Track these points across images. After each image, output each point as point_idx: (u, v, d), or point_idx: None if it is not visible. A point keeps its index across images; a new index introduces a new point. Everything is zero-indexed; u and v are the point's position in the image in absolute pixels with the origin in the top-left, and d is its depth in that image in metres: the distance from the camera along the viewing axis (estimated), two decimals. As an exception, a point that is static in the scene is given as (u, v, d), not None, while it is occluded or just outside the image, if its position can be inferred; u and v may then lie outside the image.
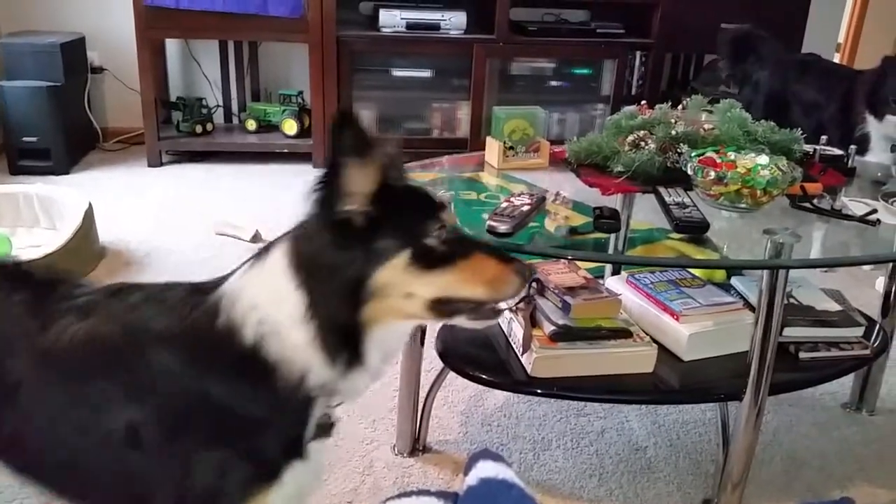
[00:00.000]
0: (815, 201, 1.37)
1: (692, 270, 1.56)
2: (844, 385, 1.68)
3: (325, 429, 0.84)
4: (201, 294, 0.80)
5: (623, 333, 1.36)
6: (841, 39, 4.47)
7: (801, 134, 1.56)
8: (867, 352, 1.47)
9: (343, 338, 0.76)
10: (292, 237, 0.79)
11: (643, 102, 1.65)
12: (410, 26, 3.16)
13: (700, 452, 1.50)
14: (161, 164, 3.20)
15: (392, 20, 3.15)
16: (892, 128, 2.32)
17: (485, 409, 1.62)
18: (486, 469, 0.66)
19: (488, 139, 1.62)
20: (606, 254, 1.45)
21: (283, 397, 0.77)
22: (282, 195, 2.77)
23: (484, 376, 1.36)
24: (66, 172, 3.04)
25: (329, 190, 0.74)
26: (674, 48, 3.43)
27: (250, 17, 3.01)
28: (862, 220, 1.29)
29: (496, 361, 1.37)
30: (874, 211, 1.31)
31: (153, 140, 3.16)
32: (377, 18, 3.16)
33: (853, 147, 1.64)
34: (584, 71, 3.46)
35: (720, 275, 1.59)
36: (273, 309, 0.76)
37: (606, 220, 1.27)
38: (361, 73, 3.23)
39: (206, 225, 2.46)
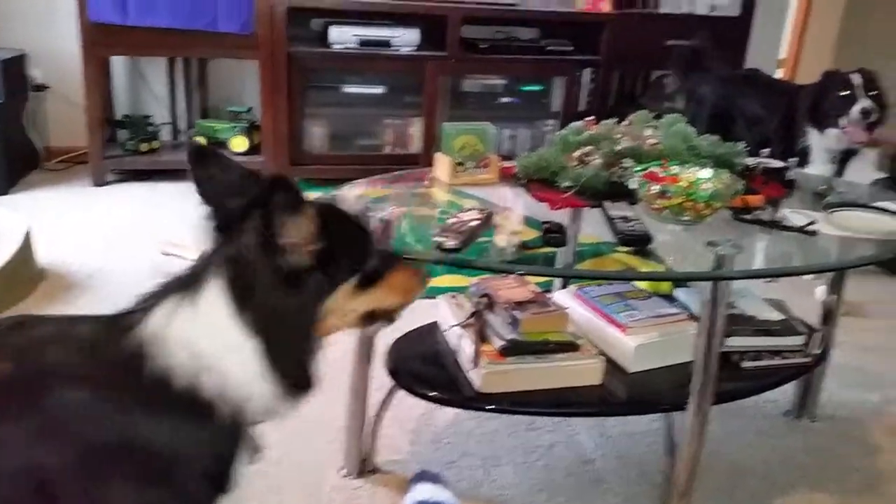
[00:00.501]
0: (756, 213, 1.41)
1: (638, 283, 1.58)
2: (786, 393, 1.71)
3: (253, 453, 0.82)
4: (120, 330, 0.75)
5: (570, 347, 1.37)
6: (783, 55, 4.62)
7: (744, 147, 1.60)
8: (808, 360, 1.51)
9: (295, 367, 0.78)
10: (227, 276, 0.75)
11: (590, 118, 1.67)
12: (362, 43, 3.16)
13: (647, 463, 1.51)
14: (106, 184, 3.13)
15: (343, 37, 3.15)
16: (833, 140, 2.40)
17: (435, 426, 1.61)
18: (423, 492, 0.65)
19: (438, 155, 1.62)
20: (552, 268, 1.46)
21: (216, 431, 0.75)
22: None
23: (434, 394, 1.36)
24: (5, 193, 2.95)
25: (270, 246, 0.73)
26: (621, 65, 3.50)
27: (199, 33, 2.97)
28: (801, 230, 1.33)
29: (446, 378, 1.36)
30: (813, 222, 1.34)
31: (98, 159, 3.09)
32: (328, 35, 3.15)
33: (794, 159, 1.69)
34: (535, 87, 3.50)
35: (666, 286, 1.61)
36: (219, 355, 0.74)
37: (553, 234, 1.28)
38: (313, 90, 3.21)
39: (151, 245, 2.41)
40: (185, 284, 0.77)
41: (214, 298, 0.75)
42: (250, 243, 0.73)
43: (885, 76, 2.41)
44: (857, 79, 2.36)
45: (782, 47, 4.34)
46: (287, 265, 0.74)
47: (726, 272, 1.19)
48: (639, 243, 1.24)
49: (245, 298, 0.74)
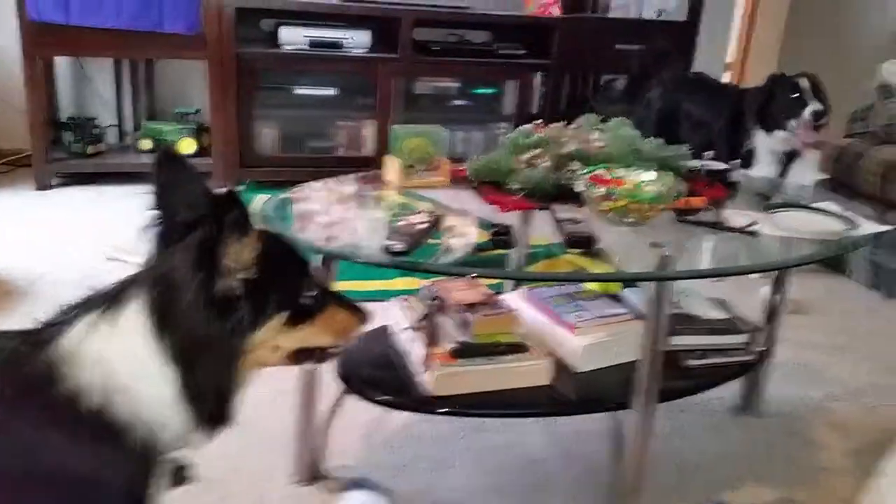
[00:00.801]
0: (699, 215, 1.43)
1: (588, 283, 1.60)
2: (732, 390, 1.75)
3: (181, 476, 0.80)
4: (35, 345, 0.71)
5: (520, 348, 1.38)
6: (730, 59, 4.73)
7: (690, 150, 1.63)
8: (751, 357, 1.55)
9: (213, 400, 0.75)
10: (152, 295, 0.72)
11: (539, 121, 1.68)
12: (313, 44, 3.13)
13: (597, 462, 1.53)
14: (50, 188, 3.04)
15: (294, 38, 3.11)
16: (779, 142, 2.46)
17: (386, 431, 1.60)
18: (355, 499, 0.65)
19: (387, 158, 1.62)
20: (501, 270, 1.46)
21: (130, 456, 0.72)
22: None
23: (385, 398, 1.35)
24: (-58, 197, 2.85)
25: (206, 266, 0.71)
26: (572, 69, 3.54)
27: (145, 34, 2.91)
28: (742, 231, 1.36)
29: (397, 382, 1.36)
30: (755, 223, 1.38)
31: (41, 162, 3.00)
32: (278, 36, 3.12)
33: (737, 161, 1.73)
34: (487, 90, 3.52)
35: (615, 287, 1.63)
36: (134, 378, 0.71)
37: (501, 237, 1.29)
38: (262, 91, 3.17)
39: (96, 250, 2.35)
40: (109, 300, 0.74)
41: (135, 318, 0.72)
42: (185, 262, 0.71)
43: (826, 79, 2.49)
44: (804, 82, 2.42)
45: (728, 51, 4.44)
46: (219, 290, 0.71)
47: (668, 272, 1.21)
48: (585, 245, 1.25)
49: (166, 322, 0.71)
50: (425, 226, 1.26)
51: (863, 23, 4.33)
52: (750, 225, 1.36)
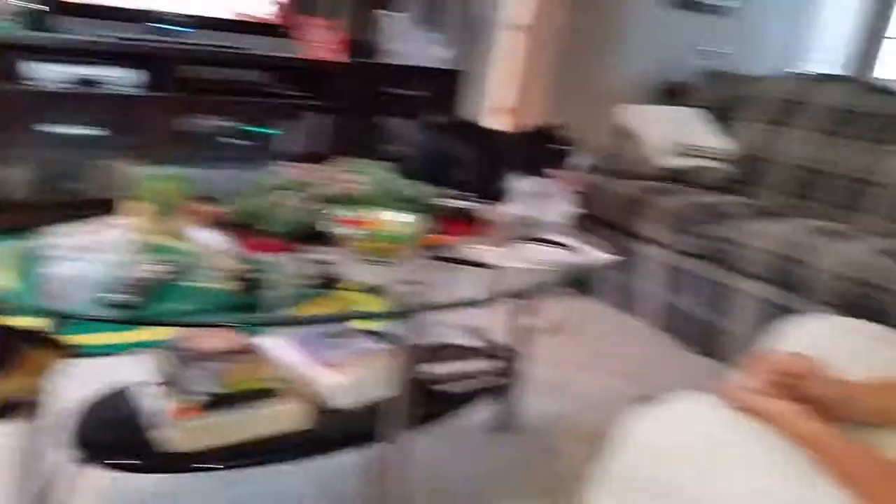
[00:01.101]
0: (446, 251, 1.52)
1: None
2: (490, 411, 1.85)
3: None
4: None
5: (273, 393, 1.36)
6: (502, 104, 5.11)
7: (447, 190, 1.73)
8: (504, 380, 1.66)
9: None
10: None
11: (300, 163, 1.70)
12: (73, 81, 2.92)
13: (359, 497, 1.55)
14: None
15: (50, 74, 2.88)
16: (538, 185, 2.66)
17: (135, 494, 1.50)
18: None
19: (134, 202, 1.54)
20: (240, 316, 1.41)
21: None
22: None
23: (131, 462, 1.27)
24: None
25: None
26: (352, 111, 3.60)
27: None
28: (481, 265, 1.46)
29: (142, 443, 1.28)
30: (497, 256, 1.48)
31: None
32: (32, 71, 2.86)
33: (489, 200, 1.86)
34: (260, 130, 3.48)
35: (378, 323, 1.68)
36: None
37: (249, 281, 1.28)
38: (11, 131, 2.89)
39: None
40: None
41: None
42: None
43: (587, 122, 2.76)
44: (564, 131, 2.65)
45: (497, 99, 4.78)
46: None
47: (413, 307, 1.27)
48: (331, 286, 1.27)
49: None
50: (164, 275, 1.22)
51: (614, 72, 4.88)
52: (490, 259, 1.47)
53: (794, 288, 2.15)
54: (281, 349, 1.51)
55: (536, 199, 2.71)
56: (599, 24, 4.68)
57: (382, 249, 1.39)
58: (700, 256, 2.47)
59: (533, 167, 2.65)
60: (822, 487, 0.76)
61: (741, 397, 0.91)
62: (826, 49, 5.67)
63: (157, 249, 1.38)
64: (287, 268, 1.54)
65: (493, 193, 2.64)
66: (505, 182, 2.67)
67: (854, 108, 2.71)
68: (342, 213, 1.46)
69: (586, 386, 2.19)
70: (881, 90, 2.77)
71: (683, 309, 2.55)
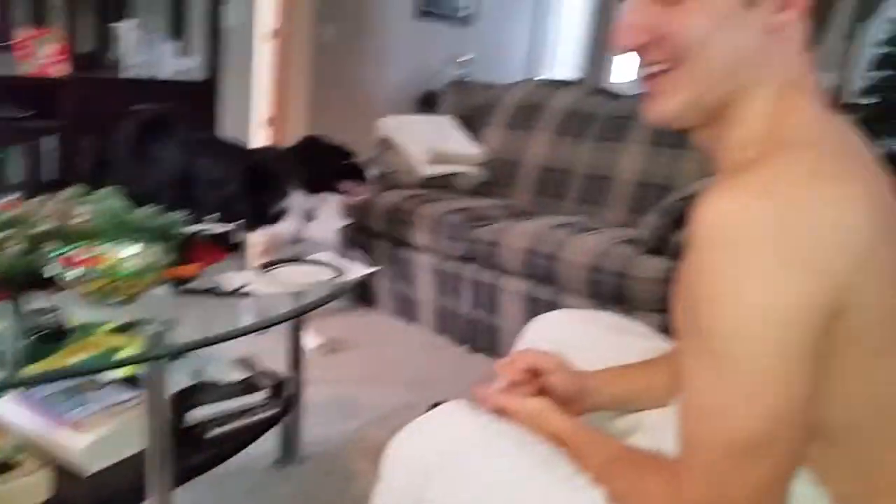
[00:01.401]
0: (195, 282, 1.41)
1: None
2: (272, 443, 1.77)
3: None
4: None
5: (12, 465, 1.18)
6: (268, 116, 4.96)
7: (193, 214, 1.60)
8: (276, 410, 1.58)
9: None
10: None
11: (13, 196, 1.49)
12: None
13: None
14: None
15: None
16: (314, 200, 2.58)
17: None
18: None
19: None
20: None
21: None
22: None
23: None
24: None
25: None
26: (86, 131, 3.27)
27: None
28: (234, 293, 1.38)
29: None
30: (246, 284, 1.41)
31: None
32: None
33: (238, 222, 1.76)
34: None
35: (131, 370, 1.51)
36: None
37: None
38: None
39: None
40: None
41: None
42: None
43: (347, 132, 2.73)
44: (333, 143, 2.59)
45: (257, 110, 4.63)
46: None
47: (158, 350, 1.16)
48: (52, 338, 1.12)
49: None
50: None
51: (375, 80, 4.94)
52: (242, 287, 1.39)
53: (549, 281, 2.31)
54: (13, 413, 1.31)
55: (307, 215, 2.65)
56: (356, 34, 4.73)
57: (119, 287, 1.25)
58: (465, 259, 2.57)
59: (320, 182, 2.57)
60: (566, 476, 0.80)
61: (492, 399, 0.93)
62: (564, 58, 6.25)
63: None
64: (6, 319, 1.35)
65: (260, 213, 2.54)
66: (280, 199, 2.58)
67: (586, 110, 2.98)
68: (66, 251, 1.30)
69: (370, 400, 2.17)
70: (610, 94, 3.08)
71: (457, 311, 2.64)
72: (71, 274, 1.22)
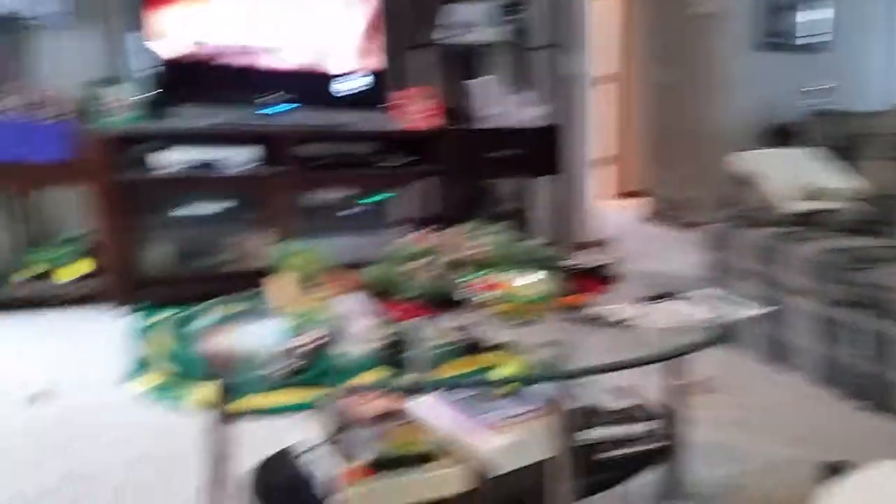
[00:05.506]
0: (582, 311, 1.49)
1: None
2: (653, 477, 1.74)
3: None
4: None
5: (433, 457, 1.35)
6: (604, 155, 5.11)
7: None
8: (665, 443, 1.56)
9: None
10: None
11: (427, 228, 1.74)
12: (196, 166, 3.12)
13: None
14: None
15: (177, 159, 3.09)
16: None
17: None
18: None
19: (275, 276, 1.61)
20: (392, 381, 1.42)
21: None
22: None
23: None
24: None
25: None
26: (450, 173, 3.68)
27: (15, 165, 2.82)
28: (619, 324, 1.42)
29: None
30: (637, 315, 1.44)
31: None
32: (160, 159, 3.09)
33: (618, 255, 1.82)
34: (376, 199, 3.60)
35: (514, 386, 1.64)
36: None
37: (395, 344, 1.31)
38: (148, 213, 3.12)
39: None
40: None
41: None
42: None
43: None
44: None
45: (594, 151, 4.77)
46: None
47: (558, 371, 1.25)
48: (472, 351, 1.28)
49: None
50: (321, 341, 1.26)
51: (717, 116, 4.78)
52: (628, 318, 1.43)
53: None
54: (435, 412, 1.51)
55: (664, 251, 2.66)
56: (692, 72, 4.63)
57: (519, 311, 1.38)
58: (853, 304, 2.32)
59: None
60: None
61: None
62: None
63: (307, 318, 1.43)
64: (428, 331, 1.56)
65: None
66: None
67: None
68: (473, 277, 1.47)
69: (750, 447, 2.02)
70: None
71: (844, 361, 2.38)
72: (483, 296, 1.38)
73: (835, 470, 0.83)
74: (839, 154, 2.97)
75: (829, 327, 2.41)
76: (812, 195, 2.74)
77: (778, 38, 4.74)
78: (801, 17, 4.69)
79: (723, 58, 4.60)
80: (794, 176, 2.79)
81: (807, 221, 2.76)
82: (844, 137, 3.03)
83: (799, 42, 4.81)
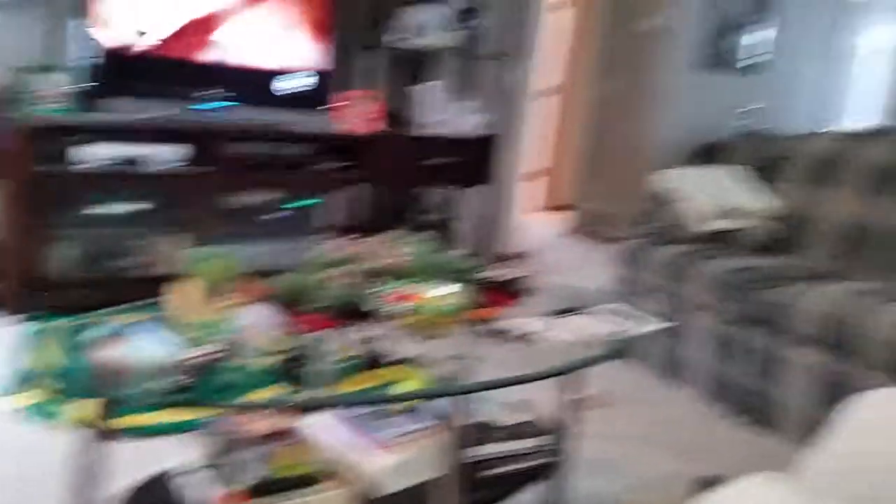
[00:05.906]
0: (491, 324, 1.50)
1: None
2: (537, 491, 1.77)
3: None
4: None
5: (317, 479, 1.33)
6: (535, 168, 5.17)
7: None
8: (551, 459, 1.59)
9: None
10: None
11: (347, 237, 1.72)
12: (116, 161, 3.02)
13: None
14: None
15: (100, 154, 2.99)
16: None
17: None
18: None
19: (182, 283, 1.56)
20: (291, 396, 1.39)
21: None
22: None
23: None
24: None
25: None
26: (389, 182, 3.66)
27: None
28: (524, 338, 1.44)
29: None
30: (538, 330, 1.46)
31: None
32: (78, 153, 2.97)
33: (534, 269, 1.84)
34: (304, 203, 3.54)
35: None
36: None
37: (294, 358, 1.28)
38: (59, 212, 2.98)
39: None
40: None
41: None
42: None
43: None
44: None
45: (525, 164, 4.82)
46: None
47: (456, 387, 1.25)
48: (377, 362, 1.27)
49: None
50: (214, 356, 1.22)
51: (650, 133, 4.89)
52: (534, 332, 1.45)
53: (847, 354, 2.07)
54: (328, 430, 1.49)
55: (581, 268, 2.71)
56: (635, 88, 4.73)
57: (428, 324, 1.38)
58: (748, 322, 2.41)
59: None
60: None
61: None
62: (861, 104, 5.64)
63: (206, 328, 1.40)
64: (332, 344, 1.55)
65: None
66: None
67: (897, 164, 2.66)
68: (387, 288, 1.46)
69: (636, 462, 2.08)
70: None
71: (733, 378, 2.47)
72: (390, 308, 1.37)
73: (707, 484, 0.86)
74: (761, 174, 3.08)
75: (723, 344, 2.50)
76: (727, 214, 2.83)
77: (719, 59, 4.87)
78: (746, 39, 4.83)
79: (663, 75, 4.70)
80: (712, 194, 2.87)
81: (718, 240, 2.84)
82: (767, 158, 3.14)
83: (740, 64, 4.96)
